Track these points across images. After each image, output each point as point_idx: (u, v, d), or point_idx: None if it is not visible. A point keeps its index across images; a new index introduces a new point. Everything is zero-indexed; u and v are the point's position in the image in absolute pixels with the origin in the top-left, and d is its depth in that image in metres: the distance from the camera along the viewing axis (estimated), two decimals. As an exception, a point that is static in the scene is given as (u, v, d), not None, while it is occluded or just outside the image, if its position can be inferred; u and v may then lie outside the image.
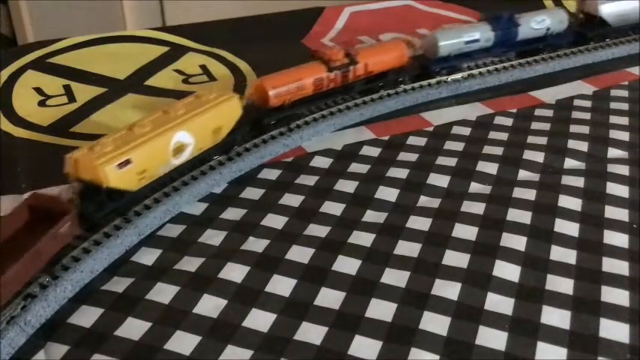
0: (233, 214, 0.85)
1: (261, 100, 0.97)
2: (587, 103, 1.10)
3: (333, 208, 0.85)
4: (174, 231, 0.82)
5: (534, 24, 1.18)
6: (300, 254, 0.77)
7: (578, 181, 0.89)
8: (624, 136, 1.00)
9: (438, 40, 1.12)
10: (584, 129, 1.02)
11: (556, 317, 0.68)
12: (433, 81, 1.13)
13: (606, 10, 1.27)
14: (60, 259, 0.72)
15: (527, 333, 0.66)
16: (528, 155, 0.95)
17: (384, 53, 1.08)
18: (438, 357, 0.64)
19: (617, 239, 0.79)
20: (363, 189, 0.89)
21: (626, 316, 0.68)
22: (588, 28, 1.28)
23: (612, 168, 0.92)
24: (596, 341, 0.65)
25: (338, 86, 1.03)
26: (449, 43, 1.13)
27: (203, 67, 1.26)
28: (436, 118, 1.07)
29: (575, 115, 1.06)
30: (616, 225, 0.81)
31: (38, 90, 1.18)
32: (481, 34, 1.14)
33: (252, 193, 0.89)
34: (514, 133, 1.01)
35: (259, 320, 0.68)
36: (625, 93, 1.13)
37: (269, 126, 0.98)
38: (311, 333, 0.67)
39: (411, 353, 0.64)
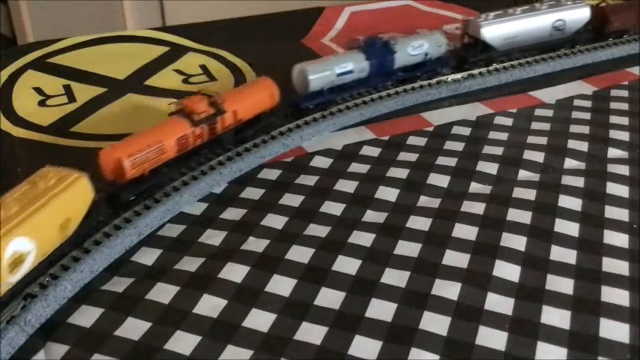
0: (233, 214, 0.85)
1: (114, 173, 0.80)
2: (587, 103, 1.10)
3: (333, 208, 0.85)
4: (174, 231, 0.82)
5: (411, 50, 1.08)
6: (300, 254, 0.77)
7: (578, 181, 0.89)
8: (624, 136, 1.00)
9: (308, 74, 1.00)
10: (584, 129, 1.02)
11: (556, 317, 0.68)
12: (433, 81, 1.13)
13: (489, 34, 1.15)
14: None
15: (527, 333, 0.66)
16: (528, 155, 0.95)
17: (252, 96, 0.96)
18: (438, 357, 0.64)
19: (617, 239, 0.79)
20: (363, 189, 0.89)
21: (626, 316, 0.68)
22: (472, 51, 1.17)
23: (612, 168, 0.92)
24: (596, 341, 0.65)
25: (206, 141, 0.90)
26: (319, 76, 1.01)
27: (203, 67, 1.26)
28: (436, 118, 1.07)
29: (575, 115, 1.06)
30: (616, 225, 0.81)
31: (38, 90, 1.18)
32: (355, 64, 1.03)
33: (252, 193, 0.89)
34: (514, 133, 1.01)
35: (259, 320, 0.68)
36: (625, 93, 1.13)
37: (128, 202, 0.81)
38: (311, 333, 0.67)
39: (411, 353, 0.64)
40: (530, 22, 1.18)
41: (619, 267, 0.74)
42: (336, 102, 1.06)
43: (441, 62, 1.14)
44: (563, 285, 0.72)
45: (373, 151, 0.98)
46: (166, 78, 1.22)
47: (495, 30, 1.15)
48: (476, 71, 1.17)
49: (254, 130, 0.97)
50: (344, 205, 0.86)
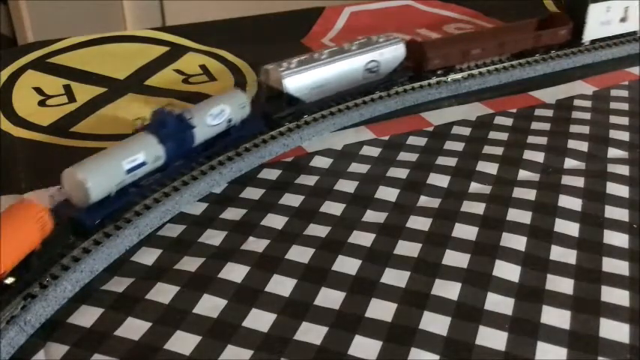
0: (233, 214, 0.85)
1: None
2: (587, 103, 1.10)
3: (333, 208, 0.85)
4: (174, 231, 0.82)
5: (211, 119, 0.89)
6: (300, 254, 0.77)
7: (578, 181, 0.89)
8: (624, 136, 1.00)
9: (86, 182, 0.74)
10: (584, 129, 1.02)
11: (556, 317, 0.68)
12: (433, 81, 1.13)
13: (293, 85, 0.98)
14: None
15: (527, 333, 0.66)
16: (528, 155, 0.95)
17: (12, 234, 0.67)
18: (438, 357, 0.64)
19: (617, 239, 0.79)
20: (363, 189, 0.89)
21: (626, 316, 0.68)
22: (277, 106, 0.99)
23: (612, 168, 0.92)
24: (596, 341, 0.65)
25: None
26: (100, 181, 0.75)
27: (203, 67, 1.26)
28: (436, 118, 1.07)
29: (575, 115, 1.06)
30: (616, 225, 0.81)
31: (38, 90, 1.18)
32: (146, 153, 0.80)
33: (252, 193, 0.89)
34: (514, 133, 1.01)
35: (259, 320, 0.68)
36: (625, 93, 1.13)
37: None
38: (311, 333, 0.67)
39: (411, 353, 0.64)
40: (339, 67, 1.02)
41: (619, 267, 0.74)
42: (337, 102, 1.05)
43: (247, 127, 0.95)
44: (563, 285, 0.72)
45: (373, 151, 0.98)
46: (166, 78, 1.22)
47: (300, 80, 0.98)
48: (476, 71, 1.17)
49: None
50: (344, 205, 0.86)
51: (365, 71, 1.05)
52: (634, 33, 1.29)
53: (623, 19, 1.25)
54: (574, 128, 1.02)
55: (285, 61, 1.00)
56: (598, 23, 1.22)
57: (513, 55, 1.21)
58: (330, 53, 1.04)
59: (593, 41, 1.26)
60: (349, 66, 1.04)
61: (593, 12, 1.21)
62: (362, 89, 1.07)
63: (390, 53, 1.07)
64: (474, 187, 0.89)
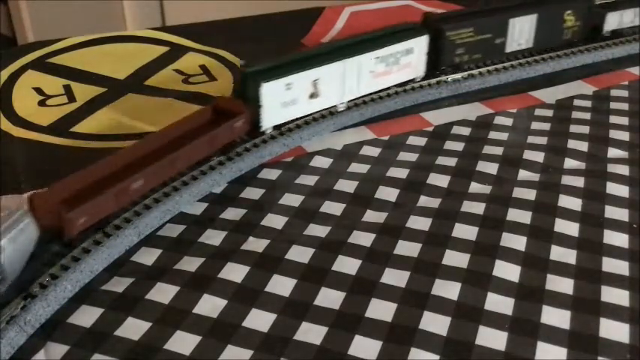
0: (233, 214, 0.85)
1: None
2: (587, 103, 1.10)
3: (333, 208, 0.85)
4: (174, 231, 0.82)
5: None
6: (300, 254, 0.77)
7: (578, 181, 0.89)
8: (624, 136, 1.00)
9: None
10: (584, 129, 1.02)
11: (556, 317, 0.68)
12: (433, 81, 1.13)
13: None
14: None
15: (527, 333, 0.66)
16: (528, 155, 0.95)
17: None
18: (437, 357, 0.64)
19: (617, 239, 0.79)
20: (363, 189, 0.89)
21: (626, 316, 0.68)
22: None
23: (612, 168, 0.92)
24: (596, 341, 0.65)
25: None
26: None
27: (203, 67, 1.26)
28: (436, 118, 1.07)
29: (575, 115, 1.06)
30: (616, 225, 0.81)
31: (38, 90, 1.18)
32: None
33: (252, 193, 0.89)
34: (514, 133, 1.01)
35: (259, 320, 0.68)
36: (625, 93, 1.13)
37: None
38: (311, 333, 0.67)
39: (411, 353, 0.64)
40: None
41: (619, 267, 0.74)
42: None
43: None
44: (563, 285, 0.72)
45: (373, 151, 0.98)
46: (166, 78, 1.22)
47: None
48: (476, 71, 1.17)
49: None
50: (344, 205, 0.86)
51: None
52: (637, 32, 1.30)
53: (313, 95, 0.97)
54: (574, 128, 1.02)
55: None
56: (278, 105, 0.94)
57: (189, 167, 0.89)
58: None
59: (593, 41, 1.26)
60: None
61: (269, 92, 0.92)
62: None
63: None
64: (474, 187, 0.89)
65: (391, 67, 1.05)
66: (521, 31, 1.16)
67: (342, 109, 1.02)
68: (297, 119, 1.00)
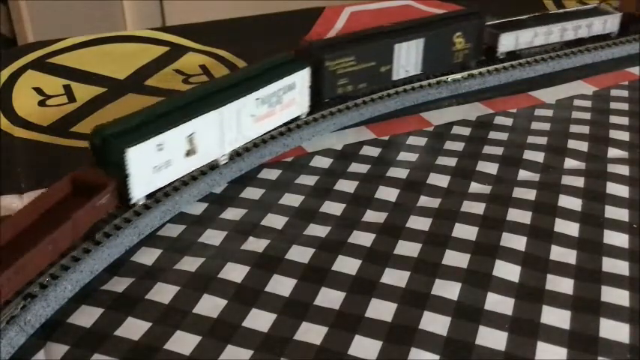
0: (233, 214, 0.85)
1: None
2: (587, 103, 1.10)
3: (333, 208, 0.85)
4: (174, 231, 0.82)
5: None
6: (300, 254, 0.77)
7: (578, 181, 0.89)
8: (624, 136, 1.00)
9: None
10: (584, 129, 1.02)
11: (556, 317, 0.68)
12: (433, 81, 1.13)
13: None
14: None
15: (527, 333, 0.66)
16: (528, 155, 0.95)
17: None
18: (438, 357, 0.64)
19: (617, 239, 0.79)
20: (363, 189, 0.89)
21: (626, 316, 0.68)
22: None
23: (612, 168, 0.92)
24: (596, 341, 0.65)
25: None
26: None
27: (203, 67, 1.26)
28: (436, 118, 1.07)
29: (575, 115, 1.06)
30: (616, 225, 0.81)
31: (38, 90, 1.18)
32: None
33: (252, 193, 0.89)
34: (514, 133, 1.01)
35: (259, 320, 0.68)
36: (625, 93, 1.13)
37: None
38: (311, 333, 0.67)
39: (411, 353, 0.64)
40: None
41: (619, 267, 0.75)
42: (336, 103, 1.05)
43: None
44: (563, 285, 0.72)
45: (373, 151, 0.98)
46: (166, 78, 1.22)
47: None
48: (476, 71, 1.17)
49: None
50: (344, 205, 0.86)
51: None
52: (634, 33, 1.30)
53: (190, 152, 0.83)
54: (574, 128, 1.02)
55: None
56: (149, 170, 0.79)
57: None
58: None
59: (592, 41, 1.26)
60: None
61: (136, 157, 0.76)
62: None
63: None
64: (474, 187, 0.89)
65: (274, 107, 0.93)
66: (408, 56, 1.07)
67: (224, 162, 0.89)
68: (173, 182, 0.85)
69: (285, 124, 0.97)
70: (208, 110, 0.84)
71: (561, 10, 1.30)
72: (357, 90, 1.04)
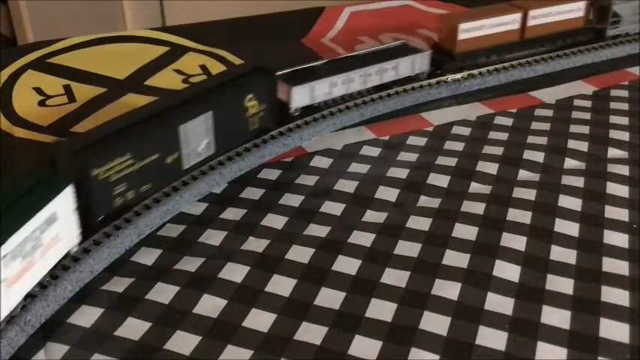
0: (233, 214, 0.85)
1: None
2: (587, 103, 1.10)
3: (333, 208, 0.85)
4: (174, 231, 0.82)
5: None
6: (300, 254, 0.77)
7: (578, 181, 0.89)
8: (624, 136, 1.00)
9: None
10: (584, 129, 1.02)
11: (556, 317, 0.68)
12: (433, 81, 1.13)
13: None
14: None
15: (527, 333, 0.66)
16: (528, 155, 0.95)
17: None
18: (437, 357, 0.64)
19: (617, 239, 0.79)
20: (363, 189, 0.89)
21: (626, 316, 0.68)
22: None
23: (612, 168, 0.92)
24: (596, 341, 0.65)
25: None
26: None
27: (203, 67, 1.26)
28: (436, 118, 1.07)
29: (575, 115, 1.06)
30: (616, 225, 0.81)
31: (38, 90, 1.18)
32: None
33: (252, 193, 0.89)
34: (514, 133, 1.01)
35: (259, 320, 0.68)
36: (625, 93, 1.13)
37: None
38: (311, 333, 0.67)
39: (411, 353, 0.64)
40: None
41: (619, 267, 0.74)
42: (336, 102, 1.04)
43: None
44: (563, 285, 0.72)
45: (373, 151, 0.98)
46: (166, 78, 1.22)
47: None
48: (476, 71, 1.17)
49: None
50: (344, 205, 0.86)
51: None
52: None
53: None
54: (574, 128, 1.02)
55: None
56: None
57: None
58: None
59: (592, 41, 1.26)
60: None
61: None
62: None
63: None
64: (474, 187, 0.89)
65: (30, 257, 0.65)
66: (198, 137, 0.85)
67: None
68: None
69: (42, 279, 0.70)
70: None
71: (363, 51, 1.11)
72: (140, 195, 0.80)
